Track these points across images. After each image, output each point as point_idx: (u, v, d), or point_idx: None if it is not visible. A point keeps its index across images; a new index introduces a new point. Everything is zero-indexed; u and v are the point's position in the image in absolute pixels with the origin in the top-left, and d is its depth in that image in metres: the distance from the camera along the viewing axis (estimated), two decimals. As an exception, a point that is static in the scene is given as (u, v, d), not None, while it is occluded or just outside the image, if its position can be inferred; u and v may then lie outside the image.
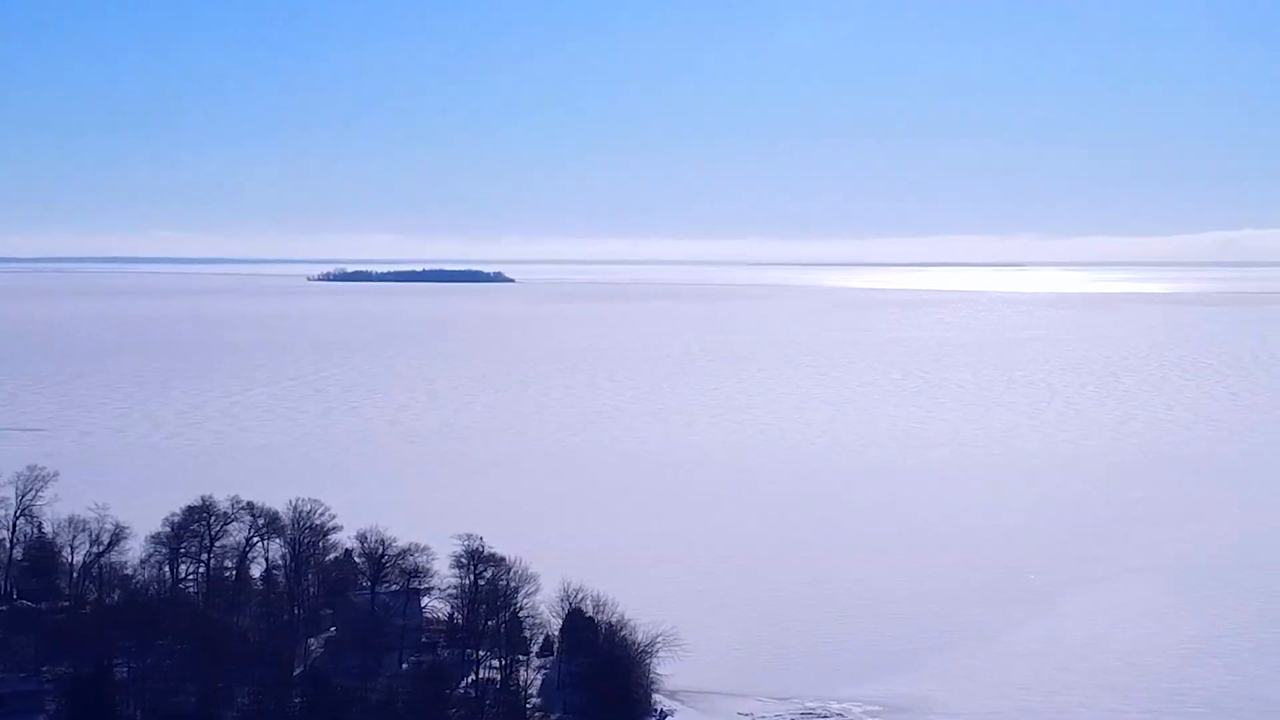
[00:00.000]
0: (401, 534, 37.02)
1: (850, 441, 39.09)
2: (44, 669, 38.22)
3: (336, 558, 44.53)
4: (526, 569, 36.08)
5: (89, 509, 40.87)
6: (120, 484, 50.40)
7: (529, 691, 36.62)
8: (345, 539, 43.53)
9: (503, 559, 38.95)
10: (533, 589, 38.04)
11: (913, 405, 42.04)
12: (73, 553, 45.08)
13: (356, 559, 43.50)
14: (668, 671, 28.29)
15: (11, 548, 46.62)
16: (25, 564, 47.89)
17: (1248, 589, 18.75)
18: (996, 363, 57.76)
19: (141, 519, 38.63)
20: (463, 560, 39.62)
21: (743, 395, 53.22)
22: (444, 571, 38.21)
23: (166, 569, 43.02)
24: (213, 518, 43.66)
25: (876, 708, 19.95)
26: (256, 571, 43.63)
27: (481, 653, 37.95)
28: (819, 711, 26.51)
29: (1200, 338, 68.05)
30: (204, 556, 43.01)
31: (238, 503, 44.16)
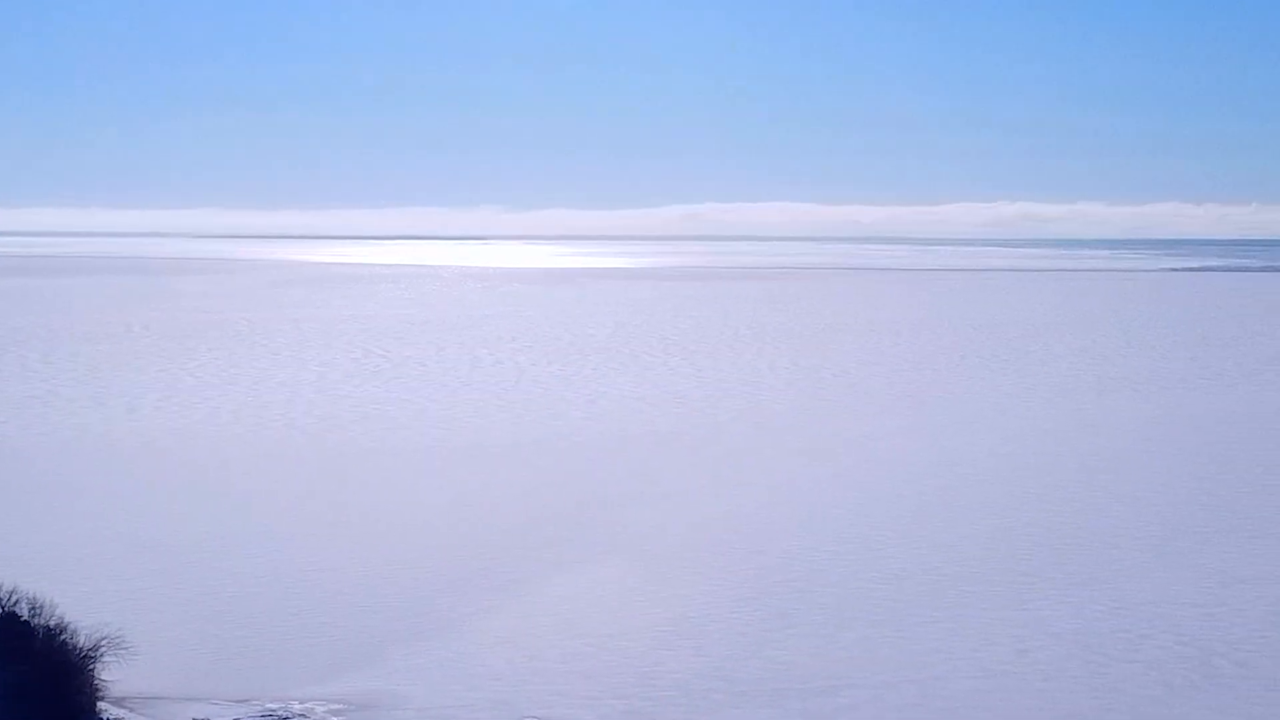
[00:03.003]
0: None
1: (309, 425, 37.76)
2: None
3: None
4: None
5: None
6: None
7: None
8: None
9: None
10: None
11: (374, 385, 41.11)
12: None
13: None
14: (114, 677, 26.36)
15: None
16: None
17: (717, 570, 18.85)
18: (461, 340, 57.63)
19: None
20: None
21: (192, 378, 50.96)
22: None
23: None
24: None
25: (341, 705, 19.02)
26: None
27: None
28: (280, 713, 25.45)
29: (666, 313, 70.13)
30: None
31: None
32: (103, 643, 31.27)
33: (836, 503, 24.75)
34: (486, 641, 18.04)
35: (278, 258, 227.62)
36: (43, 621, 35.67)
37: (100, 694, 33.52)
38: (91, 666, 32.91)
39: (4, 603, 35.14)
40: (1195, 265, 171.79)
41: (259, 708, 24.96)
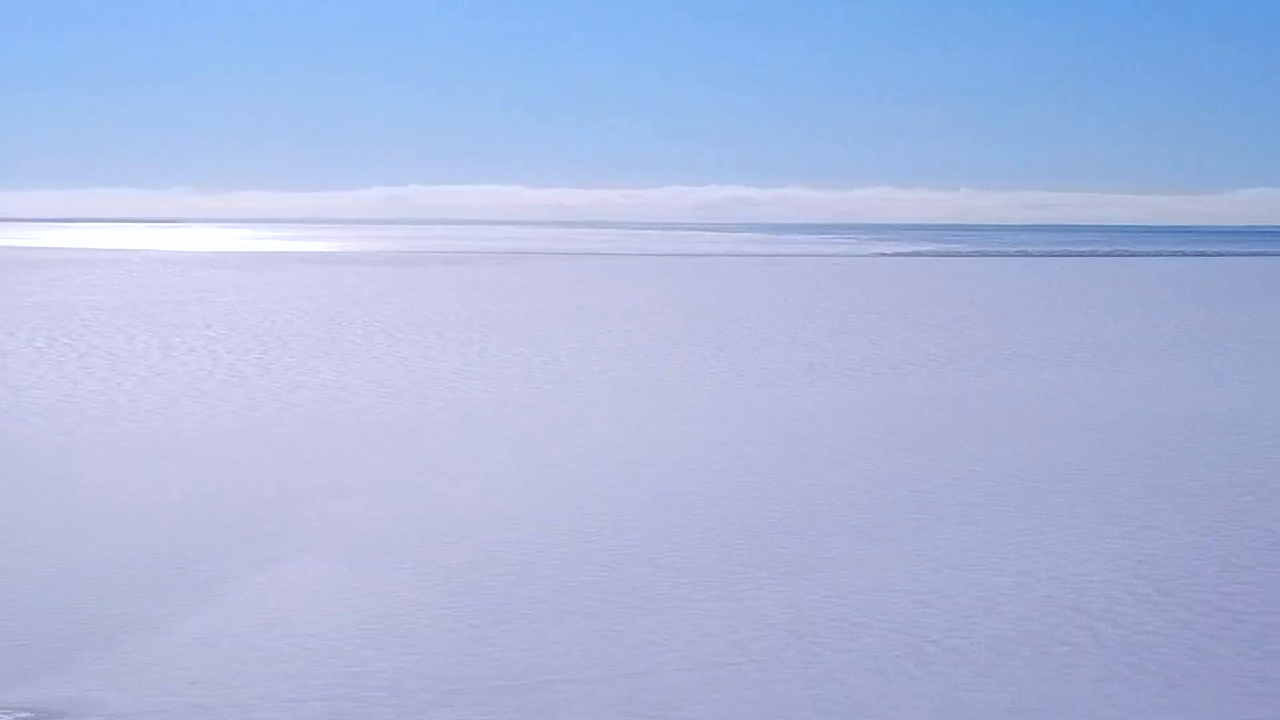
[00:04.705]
0: None
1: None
2: None
3: None
4: None
5: None
6: None
7: None
8: None
9: None
10: None
11: (60, 376, 38.88)
12: None
13: None
14: None
15: None
16: None
17: (427, 563, 18.23)
18: (153, 328, 55.17)
19: None
20: None
21: None
22: None
23: None
24: None
25: (28, 714, 17.84)
26: None
27: None
28: (-42, 725, 24.10)
29: (369, 299, 68.44)
30: None
31: None
32: None
33: (548, 494, 24.37)
34: (184, 643, 17.08)
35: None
36: None
37: None
38: None
39: None
40: (906, 250, 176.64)
41: (-63, 720, 23.55)
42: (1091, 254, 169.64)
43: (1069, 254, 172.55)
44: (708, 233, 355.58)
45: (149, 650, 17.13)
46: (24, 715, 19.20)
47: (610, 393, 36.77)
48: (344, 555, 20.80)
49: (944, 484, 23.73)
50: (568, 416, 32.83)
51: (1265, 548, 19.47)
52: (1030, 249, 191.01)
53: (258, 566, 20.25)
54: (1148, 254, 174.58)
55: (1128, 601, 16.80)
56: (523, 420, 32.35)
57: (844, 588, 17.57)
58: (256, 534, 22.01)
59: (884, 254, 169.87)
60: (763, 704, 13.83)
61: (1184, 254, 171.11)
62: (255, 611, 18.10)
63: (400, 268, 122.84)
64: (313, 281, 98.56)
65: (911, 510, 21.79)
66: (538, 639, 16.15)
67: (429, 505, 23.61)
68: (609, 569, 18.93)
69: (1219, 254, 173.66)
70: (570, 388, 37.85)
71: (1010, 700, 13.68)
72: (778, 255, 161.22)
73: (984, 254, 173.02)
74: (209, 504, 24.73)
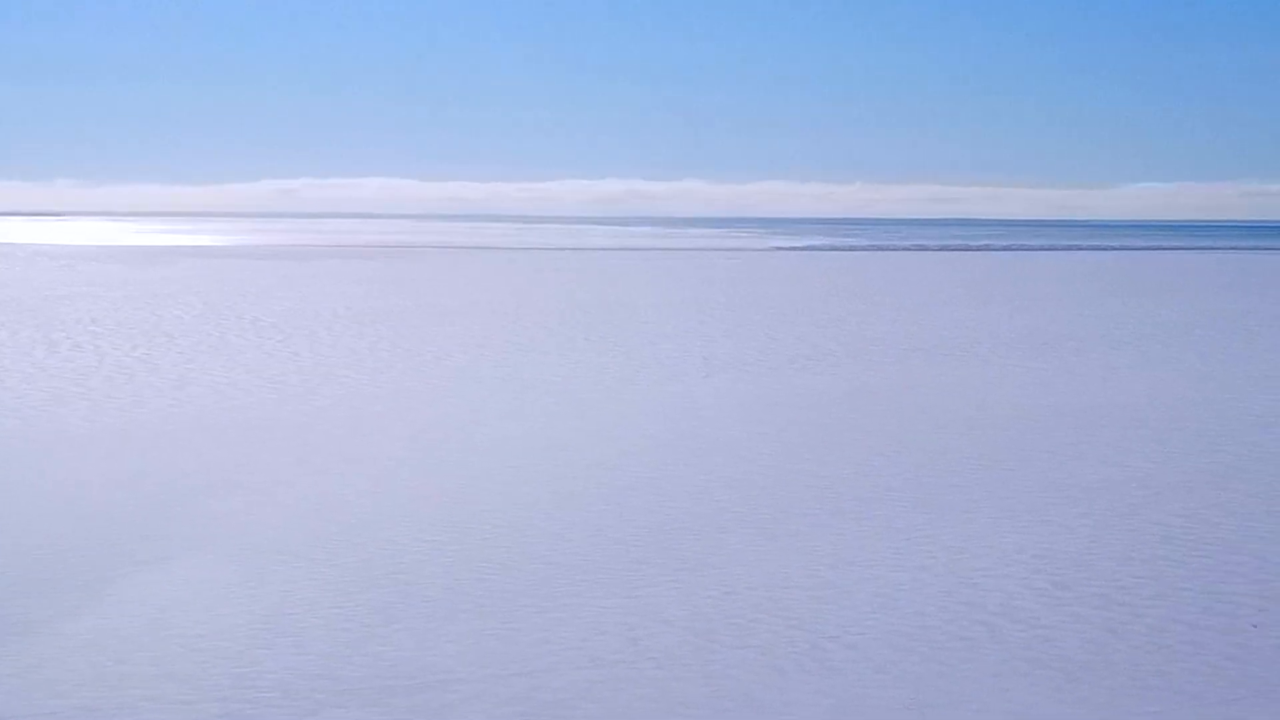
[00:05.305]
0: None
1: None
2: None
3: None
4: None
5: None
6: None
7: None
8: None
9: None
10: None
11: (-60, 373, 38.03)
12: None
13: None
14: None
15: None
16: None
17: (317, 563, 17.77)
18: (37, 323, 54.00)
19: None
20: None
21: None
22: None
23: None
24: None
25: (-97, 720, 17.46)
26: None
27: None
28: None
29: (259, 293, 67.38)
30: None
31: None
32: None
33: (441, 491, 24.09)
34: (71, 646, 16.63)
35: None
36: None
37: None
38: None
39: None
40: (802, 244, 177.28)
41: None
42: (988, 248, 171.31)
43: (965, 248, 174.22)
44: (605, 226, 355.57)
45: (34, 652, 16.67)
46: (-100, 721, 18.73)
47: (505, 388, 36.52)
48: (233, 554, 20.41)
49: (841, 479, 23.73)
50: (461, 413, 32.55)
51: (1160, 541, 19.63)
52: (927, 243, 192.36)
53: (145, 566, 19.82)
54: (1043, 248, 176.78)
55: (1024, 596, 16.84)
56: (415, 416, 32.03)
57: (741, 584, 17.47)
58: (144, 533, 21.55)
59: (781, 248, 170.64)
60: (659, 702, 13.67)
61: (1079, 248, 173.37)
62: (143, 612, 17.70)
63: (291, 262, 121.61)
64: (201, 276, 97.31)
65: (808, 506, 21.75)
66: (431, 638, 15.90)
67: (320, 503, 23.25)
68: (504, 567, 18.71)
69: (1113, 248, 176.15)
70: (464, 383, 37.55)
71: (908, 696, 13.63)
72: (675, 250, 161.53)
73: (881, 248, 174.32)
74: (95, 503, 24.19)
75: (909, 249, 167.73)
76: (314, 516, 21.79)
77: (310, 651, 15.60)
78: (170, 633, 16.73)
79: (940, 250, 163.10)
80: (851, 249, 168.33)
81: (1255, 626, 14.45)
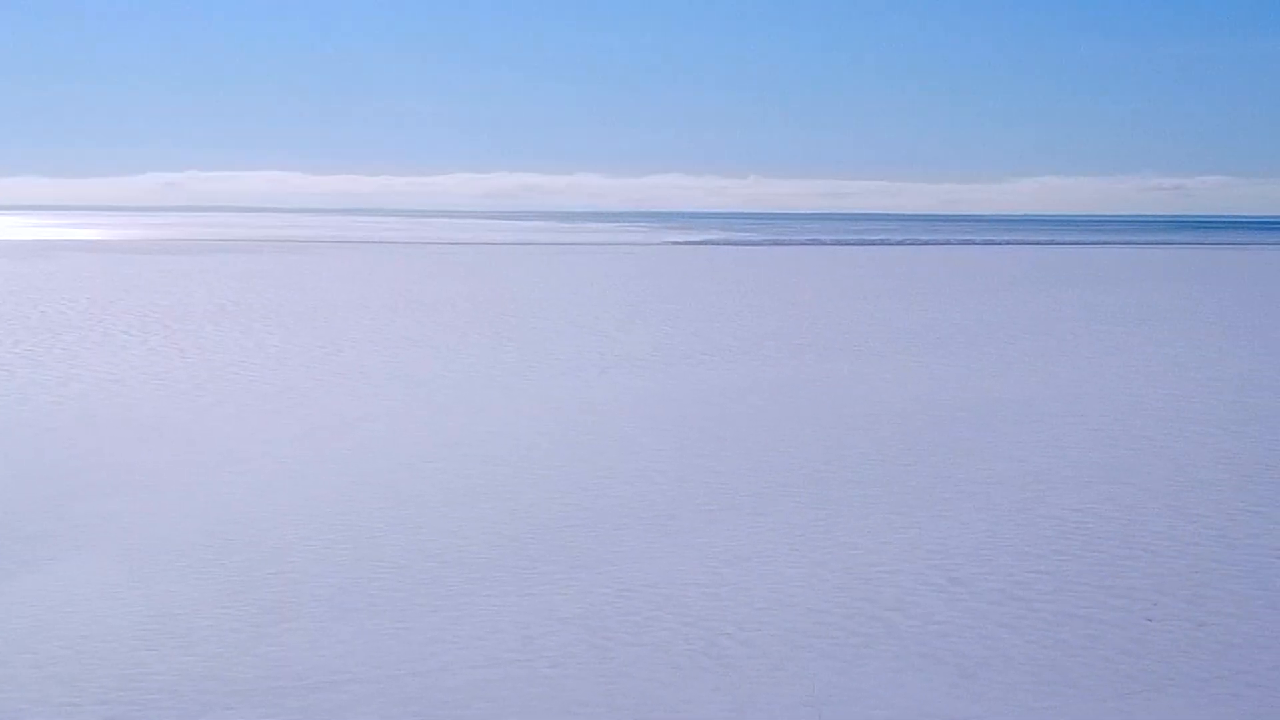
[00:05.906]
0: None
1: None
2: None
3: None
4: None
5: None
6: None
7: None
8: None
9: None
10: None
11: None
12: None
13: None
14: None
15: None
16: None
17: (205, 562, 17.48)
18: (-84, 319, 52.87)
19: None
20: None
21: None
22: None
23: None
24: None
25: None
26: None
27: None
28: None
29: (144, 288, 66.17)
30: None
31: None
32: None
33: (332, 489, 23.71)
34: (-66, 648, 16.18)
35: None
36: None
37: None
38: None
39: None
40: (697, 239, 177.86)
41: None
42: (883, 243, 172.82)
43: (861, 243, 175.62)
44: (497, 221, 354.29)
45: (-99, 657, 16.12)
46: None
47: (396, 385, 36.14)
48: (118, 554, 19.95)
49: (736, 475, 23.67)
50: (352, 409, 32.14)
51: (1056, 536, 19.74)
52: (822, 238, 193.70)
53: (28, 567, 19.31)
54: (938, 243, 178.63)
55: (920, 591, 16.84)
56: (305, 414, 31.57)
57: (636, 581, 17.33)
58: (27, 533, 21.00)
59: (675, 242, 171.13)
60: (554, 700, 13.49)
61: (973, 243, 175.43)
62: (26, 615, 17.23)
63: (176, 256, 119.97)
64: (85, 271, 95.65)
65: (703, 502, 21.67)
66: (322, 638, 15.60)
67: (207, 502, 22.80)
68: (396, 566, 18.43)
69: (1006, 243, 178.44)
70: (354, 380, 37.10)
71: (805, 692, 13.55)
72: (568, 244, 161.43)
73: (776, 243, 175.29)
74: (-29, 502, 23.53)
75: (804, 244, 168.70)
76: (201, 516, 21.34)
77: (198, 652, 15.24)
78: (53, 635, 16.26)
79: (835, 245, 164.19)
80: (747, 244, 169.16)
81: (1150, 620, 14.53)
